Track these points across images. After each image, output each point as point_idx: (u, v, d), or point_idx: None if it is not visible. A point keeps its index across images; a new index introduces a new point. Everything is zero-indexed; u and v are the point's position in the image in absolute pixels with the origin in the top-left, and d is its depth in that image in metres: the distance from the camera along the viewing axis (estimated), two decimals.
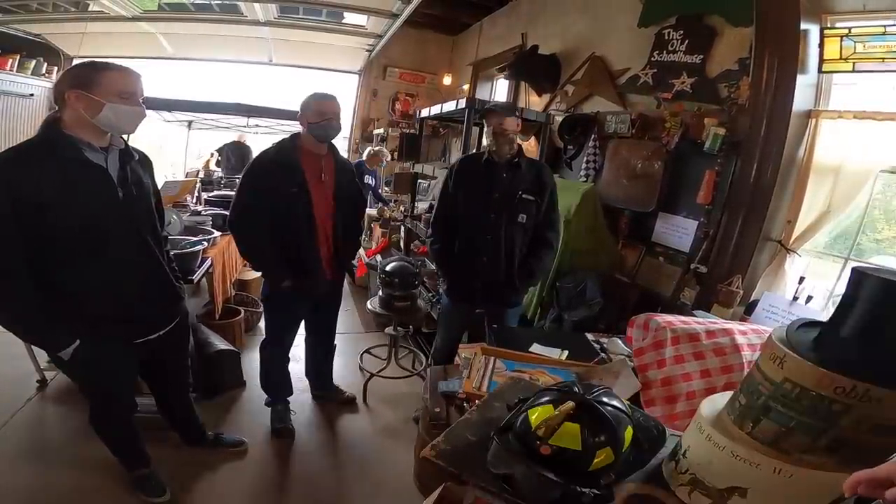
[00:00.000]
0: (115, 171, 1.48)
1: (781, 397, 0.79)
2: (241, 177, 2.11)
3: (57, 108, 1.42)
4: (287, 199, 2.04)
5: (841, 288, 2.14)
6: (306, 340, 2.64)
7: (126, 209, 1.50)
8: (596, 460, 0.85)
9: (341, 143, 7.19)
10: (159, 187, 1.80)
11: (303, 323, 2.47)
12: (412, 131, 4.92)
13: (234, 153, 6.85)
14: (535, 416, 0.89)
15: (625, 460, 0.90)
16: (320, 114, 2.05)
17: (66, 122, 1.40)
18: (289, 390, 2.53)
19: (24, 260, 1.36)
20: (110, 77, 1.39)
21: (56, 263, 1.43)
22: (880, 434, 0.73)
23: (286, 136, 2.22)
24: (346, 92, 6.90)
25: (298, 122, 2.12)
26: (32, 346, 2.47)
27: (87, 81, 1.37)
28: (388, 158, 5.77)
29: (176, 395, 2.05)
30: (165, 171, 7.08)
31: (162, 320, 1.72)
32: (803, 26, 2.11)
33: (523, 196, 2.18)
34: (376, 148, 5.80)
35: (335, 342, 2.67)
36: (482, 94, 5.49)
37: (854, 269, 0.80)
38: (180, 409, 2.11)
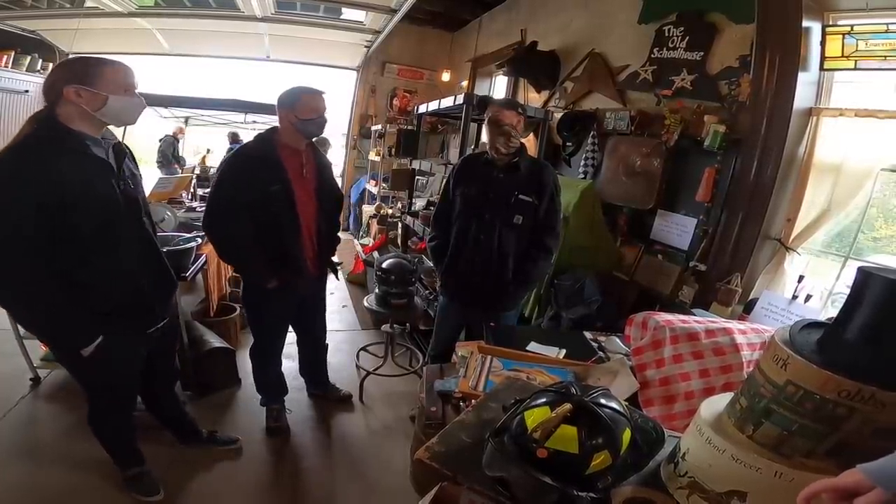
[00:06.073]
0: (112, 164, 1.51)
1: (784, 400, 0.77)
2: (217, 174, 2.01)
3: (47, 104, 1.39)
4: (269, 197, 1.95)
5: (840, 287, 2.13)
6: (297, 340, 2.60)
7: (126, 201, 1.52)
8: (593, 463, 0.83)
9: (339, 140, 7.16)
10: (154, 184, 1.79)
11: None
12: (410, 128, 4.87)
13: (168, 147, 6.82)
14: (532, 418, 0.87)
15: (622, 463, 0.88)
16: (314, 110, 1.99)
17: (63, 118, 1.38)
18: (284, 390, 2.50)
19: (46, 260, 1.36)
20: (109, 71, 1.42)
21: (75, 261, 1.44)
22: (880, 437, 0.71)
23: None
24: (344, 88, 6.87)
25: (279, 116, 2.02)
26: (25, 344, 2.45)
27: (86, 76, 1.37)
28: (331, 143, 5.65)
29: (163, 391, 2.03)
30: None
31: (166, 307, 1.76)
32: (805, 24, 2.09)
33: (520, 197, 2.10)
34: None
35: (326, 340, 2.64)
36: (481, 90, 5.45)
37: (859, 269, 0.78)
38: (169, 407, 2.09)
